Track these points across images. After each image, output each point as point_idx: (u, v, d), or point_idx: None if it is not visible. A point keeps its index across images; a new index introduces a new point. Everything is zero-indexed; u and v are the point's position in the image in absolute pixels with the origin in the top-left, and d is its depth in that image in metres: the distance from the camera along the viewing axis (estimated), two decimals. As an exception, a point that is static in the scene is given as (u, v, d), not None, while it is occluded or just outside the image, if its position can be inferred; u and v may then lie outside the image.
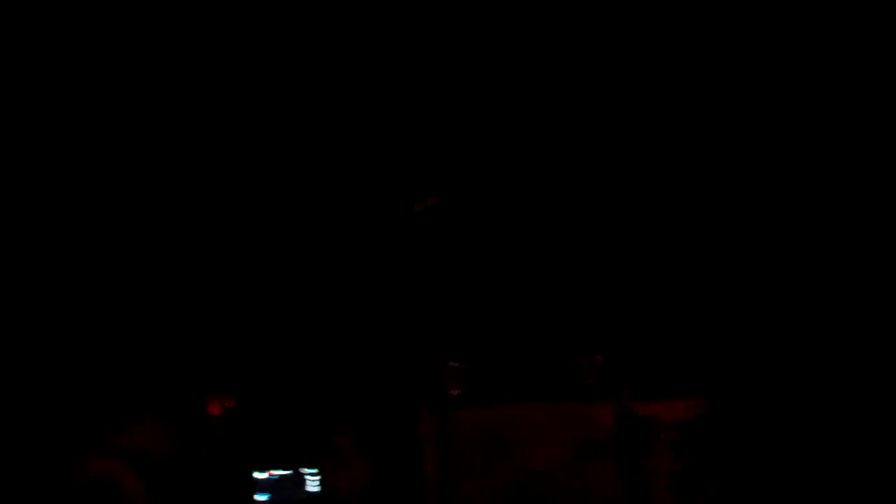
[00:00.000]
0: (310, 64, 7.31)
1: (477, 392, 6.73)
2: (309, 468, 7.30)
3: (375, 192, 7.04)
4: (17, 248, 6.40)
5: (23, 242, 6.44)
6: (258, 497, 7.48)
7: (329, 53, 7.27)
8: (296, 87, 7.35)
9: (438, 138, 7.13)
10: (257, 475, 7.38)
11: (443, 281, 5.66)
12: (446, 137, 7.22)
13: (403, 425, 6.63)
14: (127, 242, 6.61)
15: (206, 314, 7.10)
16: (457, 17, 7.21)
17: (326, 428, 6.90)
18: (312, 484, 7.46)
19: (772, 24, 6.86)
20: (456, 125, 7.32)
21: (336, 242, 7.20)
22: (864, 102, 6.66)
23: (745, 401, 6.38)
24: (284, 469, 7.45)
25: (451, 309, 5.73)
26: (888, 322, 6.21)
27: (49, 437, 5.95)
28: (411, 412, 6.62)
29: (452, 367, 6.57)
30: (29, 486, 5.75)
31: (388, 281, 6.85)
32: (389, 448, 6.65)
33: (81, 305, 6.46)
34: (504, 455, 6.49)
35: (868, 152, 6.64)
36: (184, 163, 7.28)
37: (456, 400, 6.49)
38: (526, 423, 6.51)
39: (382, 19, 7.21)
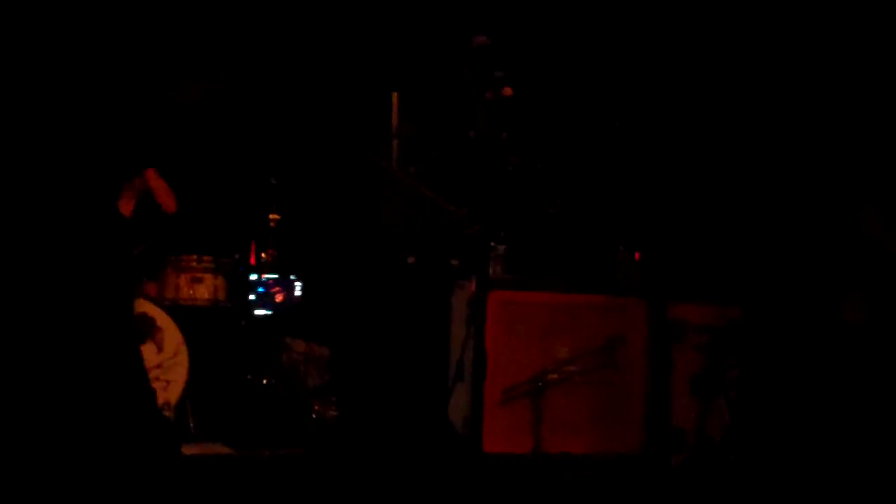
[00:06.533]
0: None
1: (515, 275, 6.81)
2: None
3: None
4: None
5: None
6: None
7: None
8: None
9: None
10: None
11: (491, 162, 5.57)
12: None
13: (437, 300, 6.61)
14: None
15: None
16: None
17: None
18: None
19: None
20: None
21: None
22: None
23: (777, 313, 6.36)
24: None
25: (495, 191, 5.65)
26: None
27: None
28: (447, 288, 6.62)
29: (494, 248, 6.58)
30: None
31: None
32: (422, 321, 6.61)
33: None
34: (533, 338, 6.52)
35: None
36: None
37: (494, 280, 6.31)
38: (558, 309, 6.59)
39: None
